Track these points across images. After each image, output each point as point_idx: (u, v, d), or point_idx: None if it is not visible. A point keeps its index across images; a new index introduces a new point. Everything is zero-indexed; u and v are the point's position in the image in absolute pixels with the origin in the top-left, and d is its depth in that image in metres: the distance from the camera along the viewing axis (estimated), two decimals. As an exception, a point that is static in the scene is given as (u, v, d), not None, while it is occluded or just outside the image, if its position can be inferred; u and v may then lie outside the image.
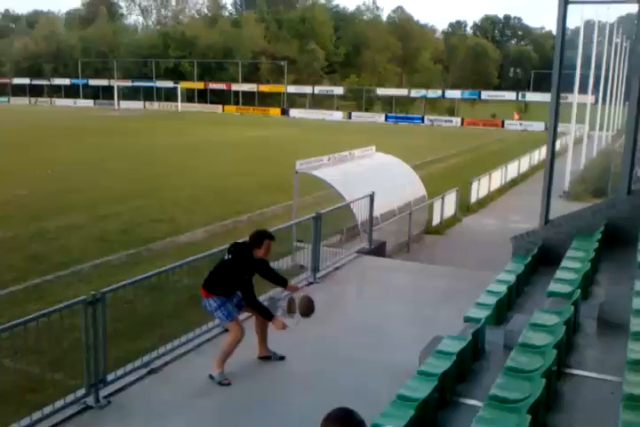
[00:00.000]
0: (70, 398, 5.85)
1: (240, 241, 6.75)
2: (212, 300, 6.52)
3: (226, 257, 6.61)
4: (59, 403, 5.77)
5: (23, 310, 9.10)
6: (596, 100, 32.55)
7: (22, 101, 78.11)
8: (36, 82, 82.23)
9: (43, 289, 10.76)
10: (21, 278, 11.25)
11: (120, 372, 6.35)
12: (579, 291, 6.26)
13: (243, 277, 6.45)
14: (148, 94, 76.16)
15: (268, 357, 6.96)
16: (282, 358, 6.96)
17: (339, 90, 72.70)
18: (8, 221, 15.66)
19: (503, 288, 7.28)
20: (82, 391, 5.92)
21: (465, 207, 18.40)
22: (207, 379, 6.50)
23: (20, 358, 7.35)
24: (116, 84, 73.49)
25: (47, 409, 5.64)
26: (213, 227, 15.35)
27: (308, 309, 6.62)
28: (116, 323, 7.44)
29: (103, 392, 6.07)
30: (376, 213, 12.32)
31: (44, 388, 6.89)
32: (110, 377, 6.19)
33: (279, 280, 6.98)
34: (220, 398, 6.17)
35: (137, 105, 73.13)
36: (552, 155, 9.71)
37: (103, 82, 78.37)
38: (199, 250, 11.35)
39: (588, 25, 26.86)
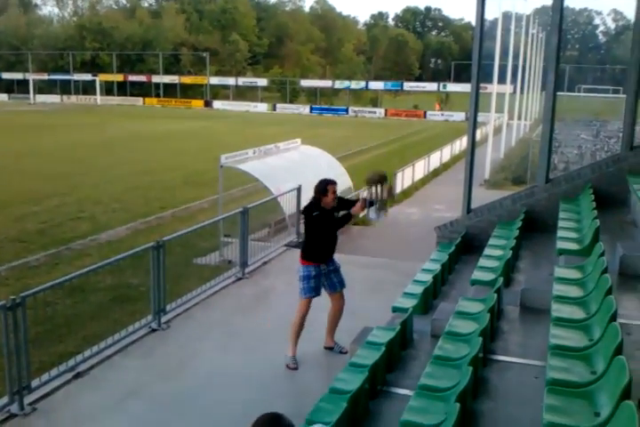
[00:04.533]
0: (-8, 407, 5.62)
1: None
2: (301, 268, 6.83)
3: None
4: (-20, 413, 5.53)
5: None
6: (515, 90, 33.52)
7: None
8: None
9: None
10: None
11: (45, 377, 6.13)
12: (501, 278, 6.44)
13: (327, 225, 6.74)
14: (65, 88, 73.73)
15: (330, 348, 7.15)
16: (344, 352, 6.93)
17: (262, 81, 72.38)
18: None
19: (429, 277, 7.42)
20: (5, 399, 5.69)
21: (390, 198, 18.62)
22: (135, 380, 6.37)
23: None
24: (31, 77, 70.66)
25: (-33, 420, 5.41)
26: (136, 224, 15.01)
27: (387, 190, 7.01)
28: (37, 326, 7.19)
29: (28, 399, 5.84)
30: (303, 205, 12.31)
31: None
32: (35, 383, 5.97)
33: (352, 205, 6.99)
34: (152, 398, 6.05)
35: (54, 99, 70.69)
36: (472, 144, 9.94)
37: (17, 75, 75.28)
38: (121, 248, 11.19)
39: (506, 16, 27.63)
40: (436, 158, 25.63)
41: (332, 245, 6.95)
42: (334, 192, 6.67)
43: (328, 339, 7.16)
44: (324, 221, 6.72)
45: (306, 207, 6.83)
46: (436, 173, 24.46)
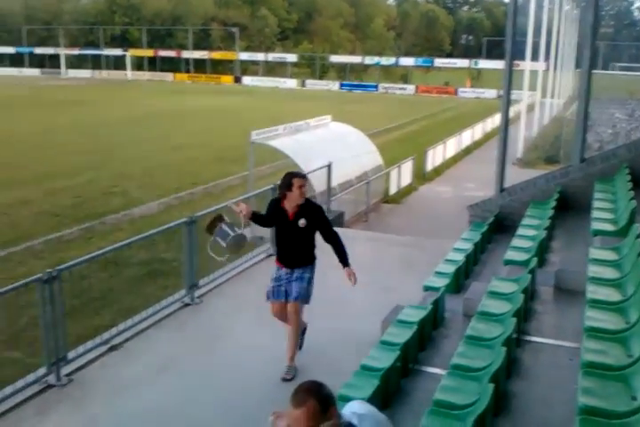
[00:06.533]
0: (31, 377, 5.74)
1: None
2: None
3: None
4: (19, 382, 5.66)
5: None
6: (548, 68, 32.87)
7: (-37, 71, 75.10)
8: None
9: (-6, 266, 10.50)
10: (-30, 256, 10.97)
11: (80, 349, 6.25)
12: (535, 259, 6.38)
13: (282, 228, 5.89)
14: (95, 62, 74.05)
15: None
16: (286, 378, 5.93)
17: (292, 57, 71.85)
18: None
19: (461, 257, 7.39)
20: (43, 370, 5.82)
21: (421, 176, 18.54)
22: (168, 354, 6.48)
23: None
24: (62, 52, 71.13)
25: (8, 389, 5.54)
26: (168, 199, 15.13)
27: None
28: (72, 299, 7.33)
29: (64, 370, 5.97)
30: (333, 183, 12.30)
31: (1, 367, 6.81)
32: (71, 355, 6.09)
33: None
34: (185, 371, 6.14)
35: (85, 73, 71.06)
36: (506, 122, 9.80)
37: (49, 50, 75.64)
38: (154, 223, 11.31)
39: (539, -8, 26.95)
40: (468, 136, 25.36)
41: (295, 253, 5.94)
42: (300, 187, 5.68)
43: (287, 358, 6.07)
44: (279, 224, 5.94)
45: (270, 201, 6.07)
46: (467, 151, 24.23)
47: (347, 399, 3.13)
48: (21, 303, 7.31)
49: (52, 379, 5.85)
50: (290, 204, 5.77)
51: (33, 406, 5.55)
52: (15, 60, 76.91)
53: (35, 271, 6.70)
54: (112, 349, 6.50)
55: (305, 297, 6.03)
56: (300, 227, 5.76)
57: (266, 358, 6.40)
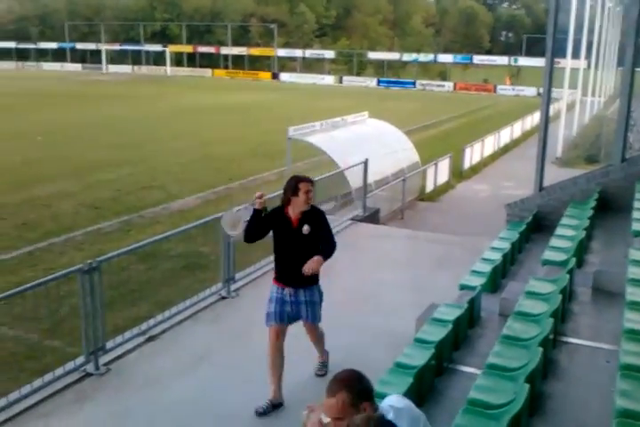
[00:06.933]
0: (70, 365, 5.89)
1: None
2: (271, 287, 5.62)
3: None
4: (59, 370, 5.80)
5: (18, 278, 9.12)
6: (589, 66, 32.30)
7: (8, 66, 76.62)
8: (22, 46, 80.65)
9: (37, 257, 10.73)
10: (14, 246, 11.21)
11: (119, 339, 6.39)
12: (574, 259, 6.31)
13: (285, 238, 5.36)
14: (136, 58, 75.04)
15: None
16: (318, 373, 6.01)
17: (329, 53, 71.84)
18: (-2, 187, 15.54)
19: (498, 256, 7.33)
20: (81, 359, 5.96)
21: (458, 174, 18.40)
22: (204, 346, 6.56)
23: (18, 326, 7.43)
24: (103, 47, 72.25)
25: (47, 377, 5.68)
26: (205, 194, 15.28)
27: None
28: (111, 290, 7.46)
29: (102, 360, 6.10)
30: (370, 179, 12.29)
31: (42, 355, 6.97)
32: (109, 345, 6.23)
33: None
34: (220, 363, 6.22)
35: (125, 69, 72.04)
36: (546, 121, 9.69)
37: (91, 45, 76.98)
38: (191, 217, 11.45)
39: (581, -11, 26.49)
40: (507, 134, 25.07)
41: (298, 267, 5.24)
42: (307, 192, 5.22)
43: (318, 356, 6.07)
44: (280, 233, 5.40)
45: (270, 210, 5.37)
46: (505, 150, 23.95)
47: (380, 396, 3.14)
48: (62, 293, 7.49)
49: (90, 368, 5.98)
50: (294, 210, 5.29)
51: (72, 393, 5.68)
52: (58, 56, 78.38)
53: (75, 262, 6.88)
54: (149, 339, 6.62)
55: (319, 320, 5.73)
56: (304, 234, 5.27)
57: (300, 351, 6.44)
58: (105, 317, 6.18)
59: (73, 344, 6.77)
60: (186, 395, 5.62)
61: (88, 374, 5.94)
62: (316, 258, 5.21)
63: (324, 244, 5.38)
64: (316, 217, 5.37)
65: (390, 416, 2.75)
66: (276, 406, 5.47)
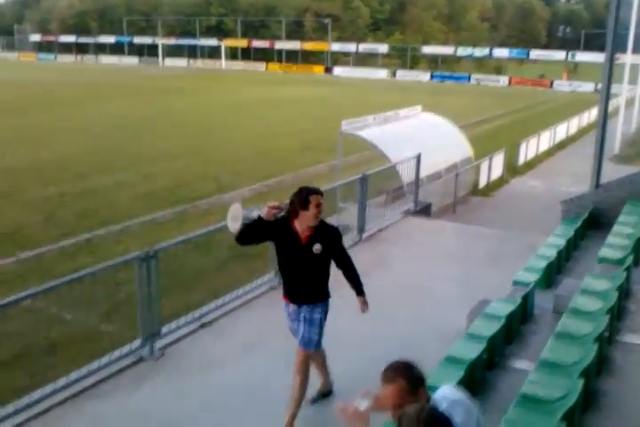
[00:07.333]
0: (126, 349, 6.06)
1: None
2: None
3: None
4: (115, 354, 5.97)
5: (76, 264, 9.41)
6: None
7: (68, 59, 78.69)
8: (82, 40, 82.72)
9: (94, 244, 11.05)
10: (72, 233, 11.56)
11: (174, 325, 6.55)
12: (631, 257, 6.19)
13: (290, 254, 4.91)
14: (191, 52, 76.12)
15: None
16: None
17: (383, 48, 71.40)
18: (58, 177, 15.99)
19: (553, 252, 7.23)
20: (137, 343, 6.12)
21: (512, 169, 18.14)
22: (257, 333, 6.67)
23: (77, 310, 7.66)
24: (160, 41, 73.47)
25: (105, 359, 5.86)
26: (258, 186, 15.44)
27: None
28: (166, 278, 7.61)
29: (158, 344, 6.27)
30: (422, 174, 12.23)
31: (99, 338, 7.18)
32: (164, 330, 6.38)
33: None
34: (271, 351, 6.31)
35: (181, 62, 73.13)
36: (604, 117, 9.48)
37: (147, 40, 78.39)
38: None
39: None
40: (563, 130, 24.57)
41: (304, 285, 4.96)
42: (318, 206, 4.70)
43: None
44: (287, 248, 4.92)
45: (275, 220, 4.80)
46: (561, 146, 23.48)
47: (431, 389, 3.16)
48: (118, 280, 7.70)
49: (145, 352, 6.14)
50: (302, 225, 4.78)
51: (128, 376, 5.85)
52: (115, 49, 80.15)
53: (130, 250, 7.06)
54: (203, 326, 6.76)
55: (311, 346, 5.04)
56: (314, 253, 4.80)
57: (350, 340, 6.49)
58: (160, 303, 6.34)
59: (128, 329, 6.94)
60: (236, 381, 5.73)
61: (143, 358, 6.11)
62: (360, 298, 5.17)
63: (342, 266, 5.05)
64: (329, 235, 4.88)
65: (444, 407, 2.77)
66: (325, 394, 5.49)
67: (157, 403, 5.49)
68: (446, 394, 2.90)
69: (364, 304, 5.16)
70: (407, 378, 2.84)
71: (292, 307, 5.09)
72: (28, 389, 5.47)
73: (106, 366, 5.83)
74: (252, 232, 4.81)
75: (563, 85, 56.20)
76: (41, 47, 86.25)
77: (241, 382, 5.72)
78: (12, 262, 10.12)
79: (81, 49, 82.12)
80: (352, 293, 6.36)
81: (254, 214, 4.77)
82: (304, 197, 4.69)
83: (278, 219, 4.76)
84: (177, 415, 5.29)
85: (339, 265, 5.08)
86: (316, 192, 4.74)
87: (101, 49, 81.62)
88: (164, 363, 6.10)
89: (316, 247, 4.79)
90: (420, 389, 2.84)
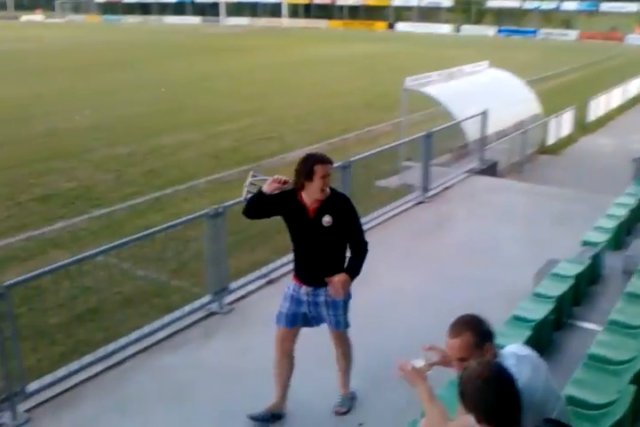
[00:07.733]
0: (197, 304, 6.28)
1: None
2: (288, 283, 4.76)
3: None
4: (186, 308, 6.20)
5: (145, 221, 9.69)
6: None
7: (133, 19, 79.30)
8: (145, 0, 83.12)
9: (162, 202, 11.32)
10: (141, 192, 11.86)
11: (241, 281, 6.73)
12: None
13: (299, 228, 4.45)
14: (253, 10, 75.59)
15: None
16: (339, 412, 4.88)
17: (447, 2, 69.17)
18: (126, 137, 16.34)
19: (624, 212, 7.06)
20: (207, 298, 6.32)
21: (582, 127, 17.56)
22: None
23: (147, 266, 7.93)
24: (222, 0, 73.15)
25: (176, 313, 6.08)
26: (321, 145, 15.43)
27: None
28: (233, 236, 7.77)
29: (226, 300, 6.46)
30: (488, 131, 11.99)
31: (169, 294, 7.44)
32: (232, 286, 6.56)
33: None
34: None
35: (242, 21, 72.78)
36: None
37: (209, -2, 78.23)
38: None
39: None
40: (635, 86, 23.54)
41: (319, 264, 4.44)
42: (324, 177, 4.22)
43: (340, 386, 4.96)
44: (295, 223, 4.47)
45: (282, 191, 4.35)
46: (633, 102, 22.54)
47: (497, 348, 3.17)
48: (186, 238, 7.91)
49: (215, 307, 6.34)
50: (309, 197, 4.32)
51: (198, 329, 6.07)
52: (177, 9, 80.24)
53: (197, 208, 7.21)
54: (269, 282, 6.93)
55: (347, 326, 4.72)
56: (324, 226, 4.31)
57: (413, 299, 6.54)
58: (228, 259, 6.50)
59: (197, 285, 7.17)
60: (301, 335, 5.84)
61: (213, 313, 6.31)
62: (339, 278, 4.32)
63: (352, 243, 4.46)
64: (339, 206, 4.37)
65: (510, 362, 2.78)
66: (275, 417, 4.73)
67: (227, 355, 5.68)
68: (514, 350, 2.91)
69: (339, 283, 4.31)
70: (475, 331, 2.84)
71: (306, 289, 4.50)
72: (104, 341, 5.72)
73: (177, 320, 6.06)
74: (260, 206, 4.38)
75: (635, 39, 53.54)
76: (106, 9, 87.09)
77: (303, 336, 5.82)
78: (85, 220, 10.48)
79: (144, 9, 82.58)
80: (411, 251, 6.40)
81: (258, 185, 4.37)
82: (309, 166, 4.21)
83: (285, 191, 4.31)
84: (244, 368, 5.44)
85: (347, 239, 4.45)
86: (323, 161, 4.25)
87: (164, 9, 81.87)
88: (232, 317, 6.29)
89: (326, 219, 4.30)
90: (487, 343, 2.85)
